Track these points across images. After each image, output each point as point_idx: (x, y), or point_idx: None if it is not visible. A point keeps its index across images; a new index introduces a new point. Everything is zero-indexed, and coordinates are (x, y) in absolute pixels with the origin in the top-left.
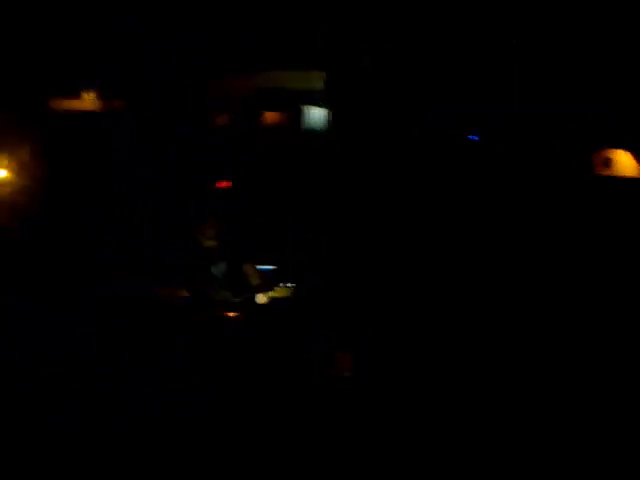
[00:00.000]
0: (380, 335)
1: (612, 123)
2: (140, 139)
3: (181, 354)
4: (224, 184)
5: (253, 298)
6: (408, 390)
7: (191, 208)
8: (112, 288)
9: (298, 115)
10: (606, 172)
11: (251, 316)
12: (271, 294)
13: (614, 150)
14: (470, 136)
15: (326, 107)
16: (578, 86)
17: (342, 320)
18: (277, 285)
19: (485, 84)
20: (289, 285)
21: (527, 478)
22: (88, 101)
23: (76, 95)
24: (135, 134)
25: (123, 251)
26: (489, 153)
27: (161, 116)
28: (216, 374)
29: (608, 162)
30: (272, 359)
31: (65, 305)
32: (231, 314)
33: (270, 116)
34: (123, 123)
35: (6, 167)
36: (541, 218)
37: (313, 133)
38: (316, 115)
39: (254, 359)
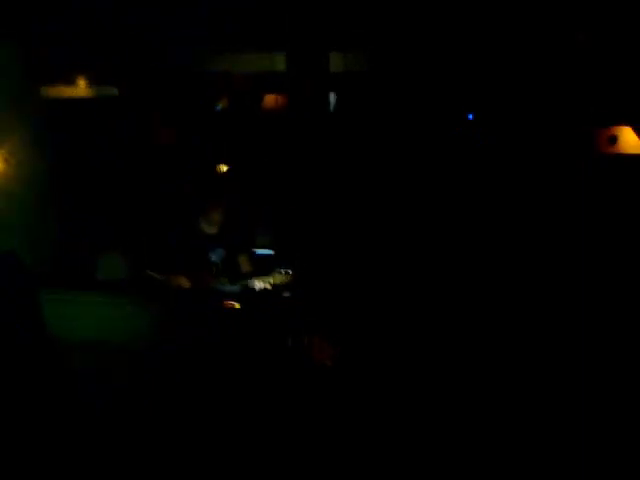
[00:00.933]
0: (364, 322)
1: (616, 100)
2: (139, 125)
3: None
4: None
5: (251, 284)
6: (392, 378)
7: (192, 194)
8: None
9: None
10: (611, 150)
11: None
12: (269, 279)
13: (619, 127)
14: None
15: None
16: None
17: (322, 305)
18: (275, 270)
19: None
20: (287, 270)
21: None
22: (81, 88)
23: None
24: (133, 120)
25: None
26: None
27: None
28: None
29: (613, 140)
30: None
31: None
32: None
33: (270, 99)
34: (119, 109)
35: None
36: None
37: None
38: None
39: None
